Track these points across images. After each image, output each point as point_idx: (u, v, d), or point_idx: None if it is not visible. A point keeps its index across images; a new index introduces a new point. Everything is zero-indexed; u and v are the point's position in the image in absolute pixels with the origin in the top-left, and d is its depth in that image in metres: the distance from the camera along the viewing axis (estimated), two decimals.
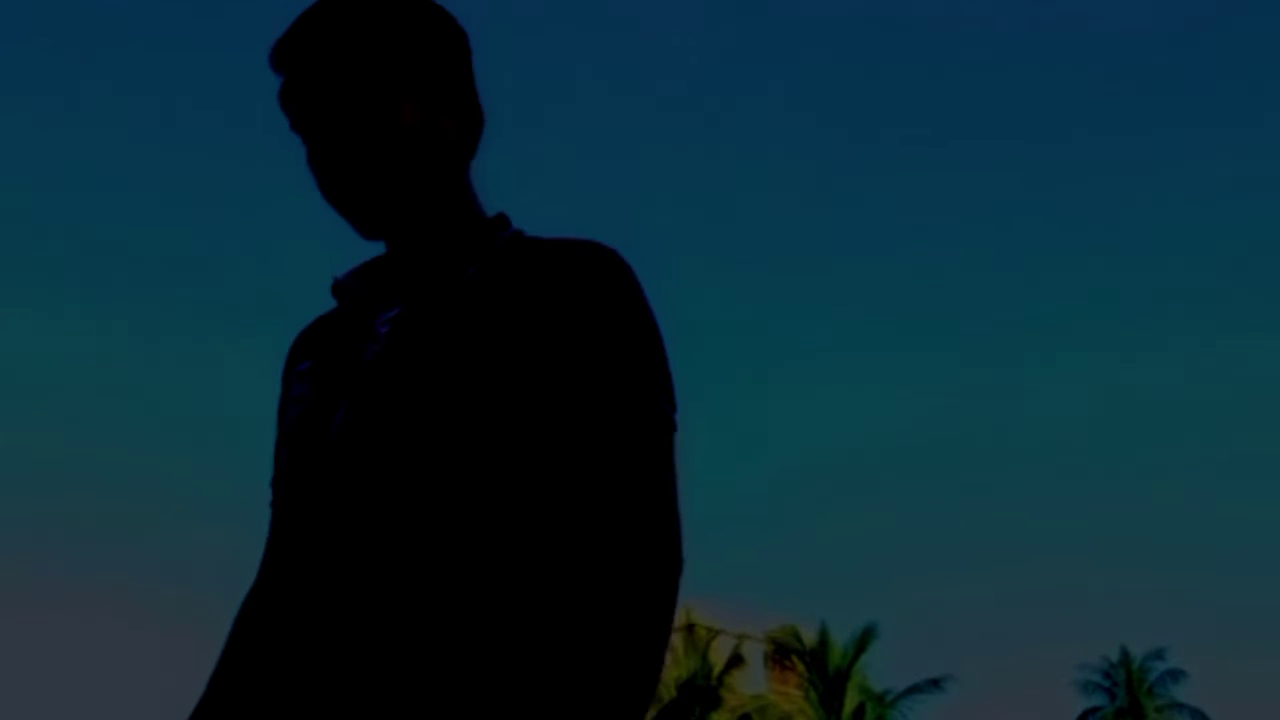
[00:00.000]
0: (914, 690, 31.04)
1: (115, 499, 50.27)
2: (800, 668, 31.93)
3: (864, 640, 30.94)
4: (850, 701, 30.50)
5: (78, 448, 49.08)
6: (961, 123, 50.58)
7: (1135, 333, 50.65)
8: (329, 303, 1.56)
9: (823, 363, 51.77)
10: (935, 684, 30.89)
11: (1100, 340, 52.17)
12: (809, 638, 31.68)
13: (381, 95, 1.43)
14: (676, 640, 30.78)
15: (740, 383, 51.27)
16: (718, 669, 30.18)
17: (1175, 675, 36.56)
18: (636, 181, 51.50)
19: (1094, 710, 37.01)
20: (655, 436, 1.34)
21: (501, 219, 1.52)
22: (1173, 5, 50.33)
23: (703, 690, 29.19)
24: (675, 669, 29.88)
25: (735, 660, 30.53)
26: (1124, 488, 50.73)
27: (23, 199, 47.60)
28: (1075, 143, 51.88)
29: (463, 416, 1.33)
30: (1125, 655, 36.91)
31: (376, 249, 1.54)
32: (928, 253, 50.81)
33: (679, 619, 31.24)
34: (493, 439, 1.32)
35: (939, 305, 51.51)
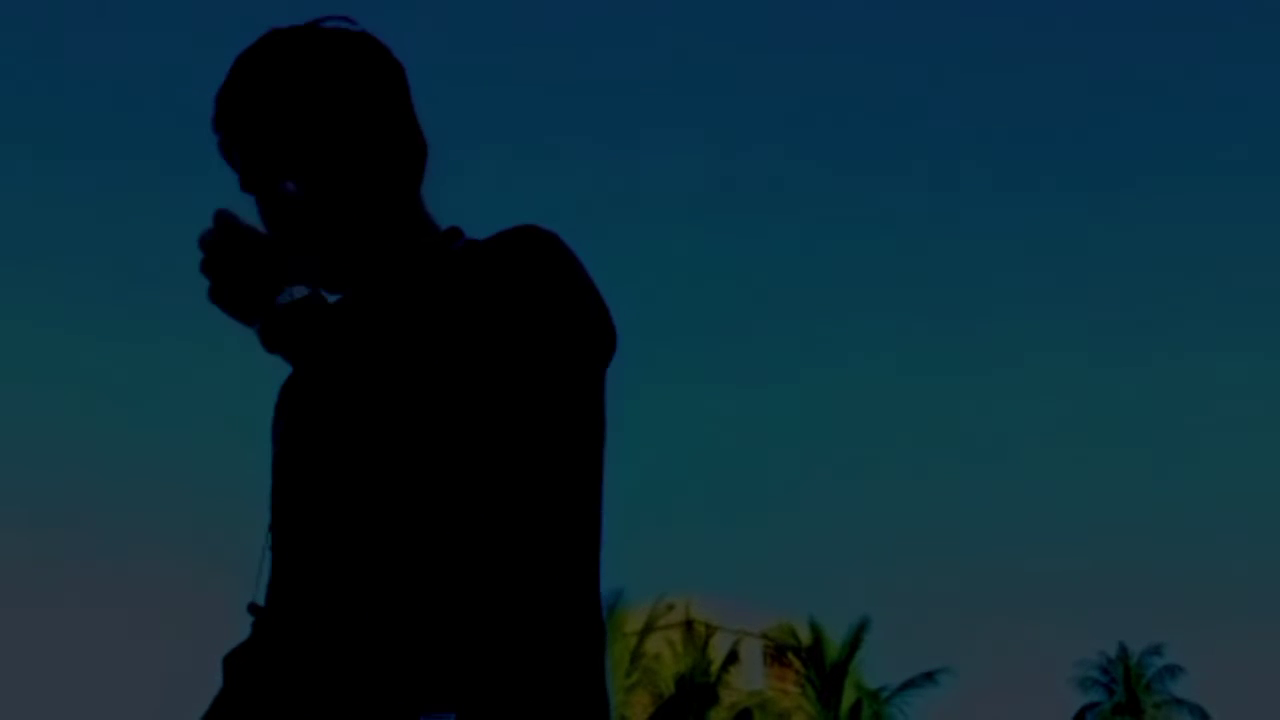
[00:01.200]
0: (910, 685, 31.06)
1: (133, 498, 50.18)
2: (797, 664, 31.94)
3: (858, 636, 30.95)
4: (848, 698, 30.53)
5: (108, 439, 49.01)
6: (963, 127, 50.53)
7: (1133, 333, 50.64)
8: None
9: (817, 361, 51.74)
10: (929, 677, 30.92)
11: (1097, 339, 52.19)
12: (805, 635, 31.67)
13: (310, 154, 1.46)
14: (675, 636, 30.76)
15: (734, 384, 51.24)
16: (715, 666, 30.18)
17: (1173, 671, 36.55)
18: (626, 179, 51.47)
19: (1092, 706, 37.01)
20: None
21: (454, 232, 1.54)
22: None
23: (701, 687, 29.21)
24: (675, 665, 29.88)
25: (731, 658, 30.53)
26: (1123, 482, 50.77)
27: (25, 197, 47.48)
28: (1072, 144, 51.86)
29: (414, 412, 1.35)
30: (1123, 651, 36.90)
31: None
32: (923, 238, 50.75)
33: (678, 614, 31.24)
34: (442, 425, 1.34)
35: (930, 294, 51.49)
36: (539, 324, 1.36)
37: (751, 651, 34.41)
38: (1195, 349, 49.50)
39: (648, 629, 29.23)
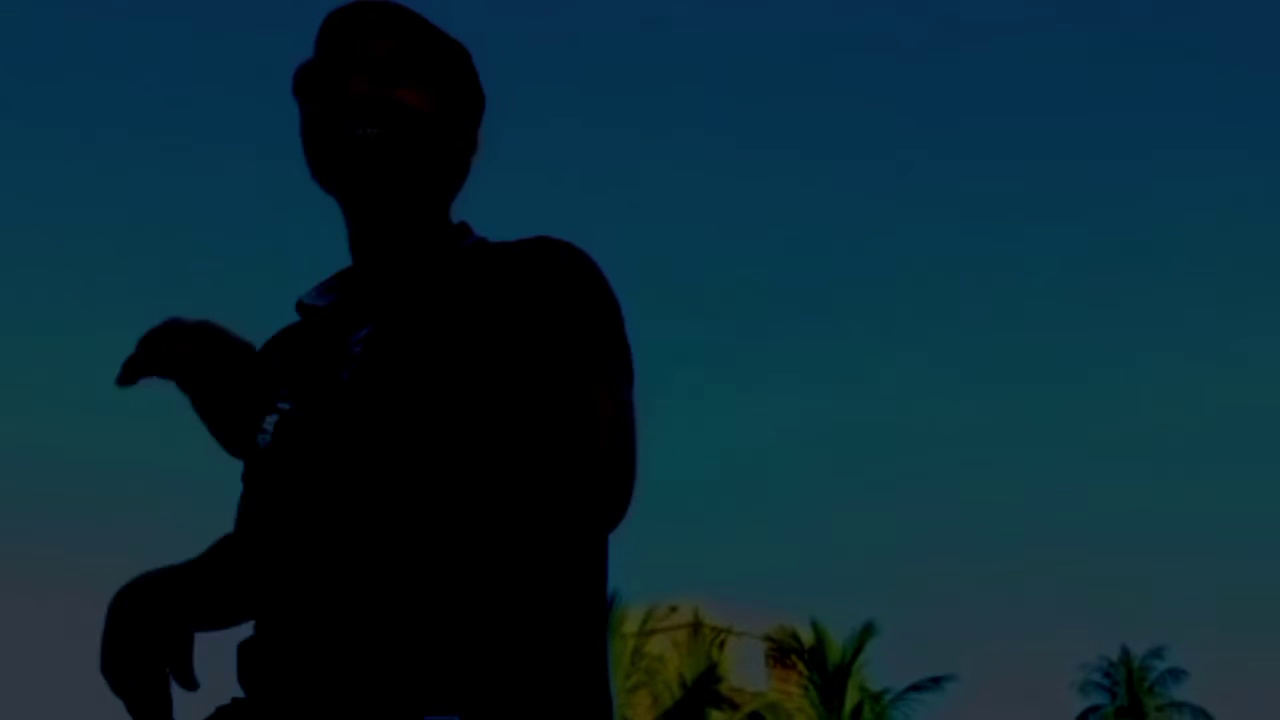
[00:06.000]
0: (913, 689, 31.02)
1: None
2: (801, 666, 31.91)
3: (863, 638, 30.93)
4: (850, 700, 30.50)
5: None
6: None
7: (1129, 336, 50.60)
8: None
9: (821, 363, 51.71)
10: (936, 682, 30.89)
11: (1098, 337, 52.13)
12: (808, 636, 31.67)
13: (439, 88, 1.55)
14: (681, 638, 30.76)
15: (739, 385, 51.26)
16: (719, 667, 30.17)
17: (1176, 674, 36.53)
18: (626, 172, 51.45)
19: (1094, 709, 36.99)
20: (609, 384, 1.36)
21: (464, 227, 1.57)
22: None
23: (704, 689, 29.18)
24: (678, 666, 29.86)
25: (734, 659, 30.53)
26: (1125, 483, 50.72)
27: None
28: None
29: (436, 424, 1.35)
30: (1125, 654, 36.89)
31: (335, 266, 1.58)
32: (939, 248, 50.72)
33: (684, 616, 31.24)
34: (468, 440, 1.34)
35: (942, 295, 51.44)
36: (576, 342, 1.37)
37: (754, 653, 34.42)
38: (1200, 346, 49.42)
39: (649, 630, 29.21)
